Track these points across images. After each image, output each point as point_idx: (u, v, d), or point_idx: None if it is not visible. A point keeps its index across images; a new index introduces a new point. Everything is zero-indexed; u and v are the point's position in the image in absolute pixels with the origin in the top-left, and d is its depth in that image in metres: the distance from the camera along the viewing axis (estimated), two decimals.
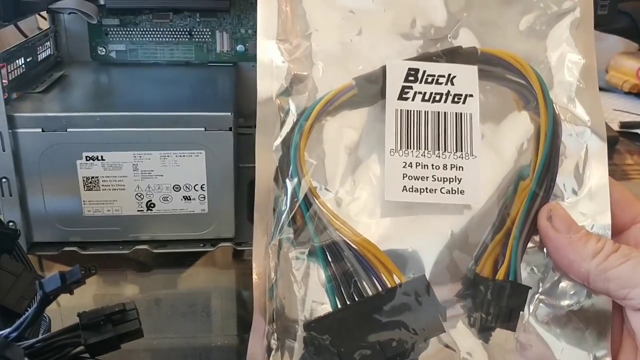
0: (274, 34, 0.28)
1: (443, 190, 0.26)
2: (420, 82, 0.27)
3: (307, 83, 0.27)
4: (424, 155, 0.27)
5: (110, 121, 0.42)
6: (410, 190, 0.26)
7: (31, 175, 0.42)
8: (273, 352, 0.25)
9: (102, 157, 0.42)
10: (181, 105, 0.46)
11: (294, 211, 0.26)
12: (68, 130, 0.42)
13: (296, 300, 0.25)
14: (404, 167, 0.26)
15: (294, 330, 0.25)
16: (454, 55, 0.28)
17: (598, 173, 0.27)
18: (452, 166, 0.27)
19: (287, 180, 0.26)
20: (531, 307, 0.26)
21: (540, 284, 0.27)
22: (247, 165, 0.46)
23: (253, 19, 0.56)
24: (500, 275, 0.26)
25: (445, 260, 0.26)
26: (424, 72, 0.27)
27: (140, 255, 0.45)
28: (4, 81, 0.43)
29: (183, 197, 0.44)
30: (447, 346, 0.26)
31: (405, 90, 0.27)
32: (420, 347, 0.25)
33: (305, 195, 0.26)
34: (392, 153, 0.26)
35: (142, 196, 0.44)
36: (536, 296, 0.27)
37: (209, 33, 0.57)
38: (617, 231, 0.27)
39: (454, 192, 0.26)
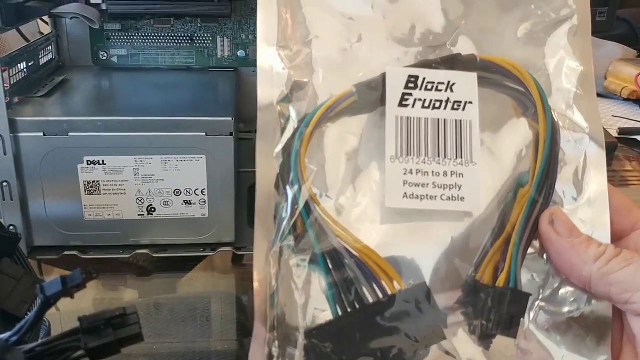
0: (274, 40, 0.27)
1: (443, 197, 0.26)
2: (420, 89, 0.27)
3: (308, 90, 0.27)
4: (424, 162, 0.27)
5: (111, 126, 0.42)
6: (411, 197, 0.26)
7: (32, 179, 0.42)
8: None
9: (103, 161, 0.42)
10: (182, 110, 0.46)
11: (295, 218, 0.26)
12: (69, 134, 0.42)
13: (297, 307, 0.25)
14: (404, 174, 0.26)
15: (295, 337, 0.25)
16: (454, 62, 0.28)
17: (597, 180, 0.28)
18: (452, 173, 0.27)
19: (288, 187, 0.26)
20: (532, 314, 0.26)
21: (541, 291, 0.27)
22: (247, 170, 0.46)
23: (254, 25, 0.56)
24: (500, 282, 0.26)
25: (445, 267, 0.26)
26: (424, 79, 0.27)
27: (140, 260, 0.45)
28: (5, 85, 0.43)
29: (183, 201, 0.44)
30: (447, 353, 0.26)
31: (406, 97, 0.27)
32: (421, 355, 0.25)
33: (306, 202, 0.26)
34: (392, 160, 0.27)
35: (142, 200, 0.44)
36: (536, 303, 0.26)
37: (210, 38, 0.57)
38: (617, 238, 0.27)
39: (454, 198, 0.27)
